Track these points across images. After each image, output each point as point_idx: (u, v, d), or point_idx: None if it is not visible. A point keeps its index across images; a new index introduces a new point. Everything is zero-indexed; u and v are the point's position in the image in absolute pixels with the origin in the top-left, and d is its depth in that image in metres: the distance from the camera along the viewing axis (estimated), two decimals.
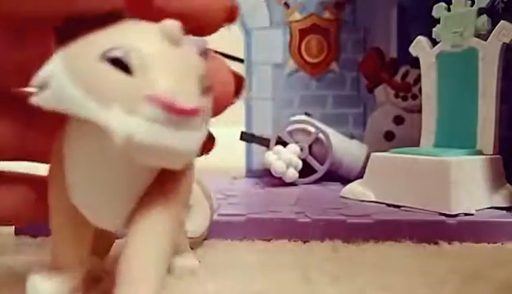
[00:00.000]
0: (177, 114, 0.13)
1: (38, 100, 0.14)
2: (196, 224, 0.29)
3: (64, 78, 0.14)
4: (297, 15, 0.66)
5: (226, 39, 0.75)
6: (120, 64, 0.13)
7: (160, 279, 0.16)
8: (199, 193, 0.29)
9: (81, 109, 0.13)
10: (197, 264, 0.25)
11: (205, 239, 0.31)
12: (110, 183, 0.16)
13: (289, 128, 0.56)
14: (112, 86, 0.13)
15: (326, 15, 0.66)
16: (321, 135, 0.55)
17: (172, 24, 0.14)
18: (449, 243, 0.32)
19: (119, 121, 0.13)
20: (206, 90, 0.15)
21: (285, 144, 0.55)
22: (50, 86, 0.14)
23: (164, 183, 0.17)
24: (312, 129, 0.55)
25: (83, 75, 0.13)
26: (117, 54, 0.13)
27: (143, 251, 0.16)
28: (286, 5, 0.66)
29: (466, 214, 0.35)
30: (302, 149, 0.54)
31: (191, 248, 0.27)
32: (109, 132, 0.13)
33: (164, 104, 0.13)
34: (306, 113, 0.62)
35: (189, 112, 0.13)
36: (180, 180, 0.17)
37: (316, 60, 0.66)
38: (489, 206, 0.37)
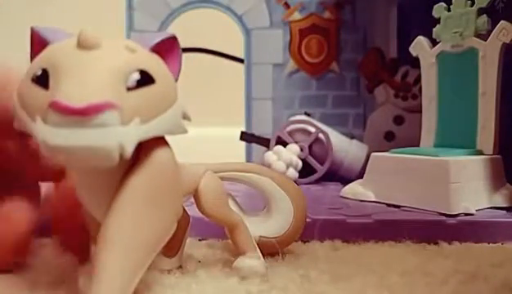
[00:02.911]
0: (70, 115, 0.14)
1: (14, 124, 0.17)
2: (277, 223, 0.27)
3: (17, 104, 0.17)
4: (297, 15, 0.66)
5: (227, 39, 0.75)
6: (41, 82, 0.16)
7: (129, 273, 0.17)
8: (279, 191, 0.28)
9: (26, 125, 0.16)
10: (262, 264, 0.25)
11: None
12: (92, 186, 0.18)
13: (289, 128, 0.56)
14: (34, 101, 0.16)
15: (326, 15, 0.66)
16: (321, 135, 0.55)
17: (85, 32, 0.16)
18: (449, 243, 0.32)
19: (39, 130, 0.15)
20: (140, 84, 0.16)
21: (285, 144, 0.55)
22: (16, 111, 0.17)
23: (126, 180, 0.17)
24: (312, 129, 0.55)
25: (22, 98, 0.16)
26: (37, 73, 0.16)
27: (105, 247, 0.16)
28: (286, 5, 0.66)
29: (466, 214, 0.35)
30: (302, 149, 0.54)
31: (275, 249, 0.27)
32: (38, 141, 0.15)
33: (59, 108, 0.15)
34: (306, 113, 0.62)
35: (81, 111, 0.15)
36: (138, 174, 0.17)
37: (316, 60, 0.66)
38: (489, 206, 0.37)
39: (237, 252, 0.25)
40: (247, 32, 0.66)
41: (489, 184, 0.38)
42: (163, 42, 0.18)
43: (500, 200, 0.38)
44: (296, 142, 0.55)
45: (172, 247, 0.26)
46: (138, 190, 0.17)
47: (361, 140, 0.60)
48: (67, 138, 0.15)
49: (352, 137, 0.60)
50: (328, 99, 0.66)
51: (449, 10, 0.42)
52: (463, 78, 0.41)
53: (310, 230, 0.32)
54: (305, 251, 0.30)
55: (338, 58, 0.66)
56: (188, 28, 0.75)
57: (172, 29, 0.68)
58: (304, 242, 0.32)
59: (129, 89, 0.16)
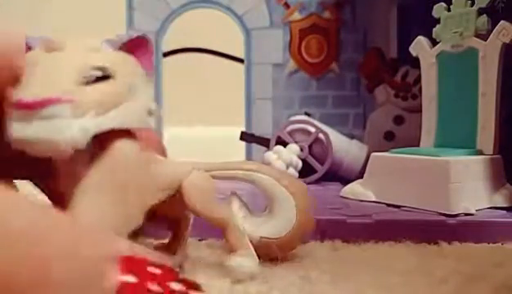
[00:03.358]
0: (22, 109, 0.16)
1: None
2: (278, 224, 0.26)
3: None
4: (297, 15, 0.66)
5: (227, 39, 0.75)
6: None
7: None
8: (281, 191, 0.26)
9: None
10: (252, 263, 0.24)
11: (305, 242, 0.30)
12: (66, 173, 0.20)
13: (289, 128, 0.56)
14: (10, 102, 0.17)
15: (326, 15, 0.66)
16: (321, 135, 0.55)
17: (51, 37, 0.18)
18: (449, 243, 0.32)
19: (10, 125, 0.17)
20: (97, 80, 0.18)
21: (285, 144, 0.55)
22: None
23: (89, 172, 0.18)
24: (312, 129, 0.55)
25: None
26: None
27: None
28: (286, 5, 0.66)
29: (466, 214, 0.35)
30: (302, 149, 0.54)
31: (277, 252, 0.26)
32: None
33: (14, 104, 0.16)
34: (306, 113, 0.62)
35: (28, 105, 0.16)
36: (97, 166, 0.18)
37: (316, 60, 0.66)
38: (489, 206, 0.37)
39: (230, 251, 0.25)
40: (247, 32, 0.66)
41: (489, 184, 0.38)
42: (133, 41, 0.20)
43: (500, 200, 0.38)
44: (296, 142, 0.55)
45: (171, 247, 0.26)
46: (94, 181, 0.18)
47: (361, 140, 0.60)
48: (23, 130, 0.16)
49: (352, 137, 0.60)
50: (328, 99, 0.66)
51: (449, 10, 0.42)
52: (463, 78, 0.41)
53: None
54: (305, 251, 0.30)
55: (338, 58, 0.66)
56: (188, 28, 0.75)
57: (172, 29, 0.68)
58: (304, 242, 0.32)
59: (85, 84, 0.18)
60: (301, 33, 0.66)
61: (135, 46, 0.21)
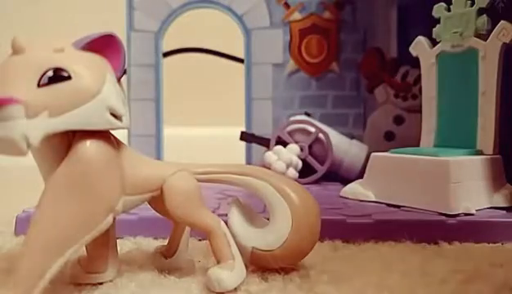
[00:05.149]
0: None
1: None
2: (273, 234, 0.24)
3: None
4: (297, 15, 0.66)
5: (227, 39, 0.75)
6: None
7: (44, 257, 0.18)
8: (277, 198, 0.24)
9: None
10: (232, 277, 0.22)
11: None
12: (41, 170, 0.21)
13: (289, 128, 0.56)
14: None
15: (326, 15, 0.66)
16: (321, 135, 0.55)
17: (15, 39, 0.19)
18: (449, 243, 0.32)
19: None
20: (53, 81, 0.18)
21: (285, 144, 0.55)
22: None
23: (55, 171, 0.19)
24: (312, 129, 0.55)
25: None
26: None
27: (29, 231, 0.19)
28: (286, 5, 0.66)
29: (466, 214, 0.35)
30: (302, 149, 0.54)
31: (270, 264, 0.24)
32: None
33: None
34: (306, 113, 0.62)
35: None
36: (62, 166, 0.19)
37: (316, 60, 0.66)
38: (489, 206, 0.37)
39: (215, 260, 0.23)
40: (247, 32, 0.66)
41: (489, 184, 0.38)
42: (99, 40, 0.20)
43: (500, 200, 0.38)
44: (296, 142, 0.55)
45: (170, 248, 0.26)
46: (58, 182, 0.19)
47: (361, 140, 0.60)
48: None
49: (352, 137, 0.60)
50: (328, 99, 0.66)
51: (449, 10, 0.42)
52: (463, 78, 0.41)
53: None
54: None
55: (338, 58, 0.66)
56: (188, 28, 0.75)
57: (173, 29, 0.68)
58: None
59: (40, 85, 0.18)
60: (301, 33, 0.66)
61: (103, 45, 0.20)
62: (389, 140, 0.60)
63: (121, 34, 0.70)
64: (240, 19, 0.66)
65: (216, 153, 0.67)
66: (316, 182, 0.54)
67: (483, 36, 0.40)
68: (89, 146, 0.19)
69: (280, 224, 0.24)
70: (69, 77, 0.19)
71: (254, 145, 0.62)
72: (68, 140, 0.20)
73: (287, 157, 0.52)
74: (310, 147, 0.55)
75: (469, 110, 0.41)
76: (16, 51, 0.19)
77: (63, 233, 0.18)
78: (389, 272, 0.26)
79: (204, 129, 1.01)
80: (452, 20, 0.42)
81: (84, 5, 0.93)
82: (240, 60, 0.70)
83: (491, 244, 0.32)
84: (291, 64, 0.66)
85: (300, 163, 0.53)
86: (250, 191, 0.25)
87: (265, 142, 0.58)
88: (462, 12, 0.41)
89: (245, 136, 0.60)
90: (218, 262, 0.23)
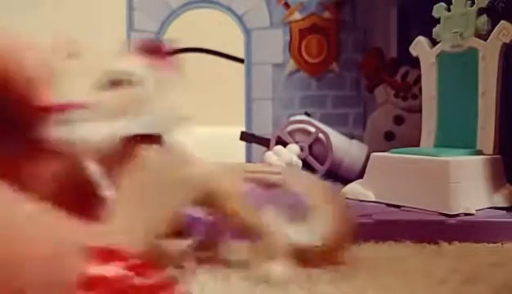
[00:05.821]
0: (51, 112, 0.18)
1: None
2: (314, 231, 0.26)
3: None
4: (297, 15, 0.66)
5: (227, 39, 0.75)
6: None
7: None
8: (319, 198, 0.27)
9: None
10: (285, 271, 0.24)
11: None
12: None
13: (289, 128, 0.56)
14: None
15: (326, 15, 0.66)
16: (321, 135, 0.55)
17: (71, 43, 0.19)
18: (449, 243, 0.32)
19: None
20: (119, 86, 0.19)
21: (285, 144, 0.55)
22: None
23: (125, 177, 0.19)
24: (312, 129, 0.55)
25: None
26: None
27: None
28: (286, 5, 0.66)
29: (466, 214, 0.35)
30: (302, 149, 0.54)
31: (311, 257, 0.26)
32: None
33: (44, 106, 0.18)
34: (306, 113, 0.62)
35: (55, 108, 0.18)
36: (132, 173, 0.19)
37: (316, 60, 0.66)
38: (489, 206, 0.37)
39: (265, 257, 0.25)
40: (247, 32, 0.66)
41: (489, 184, 0.38)
42: (155, 47, 0.21)
43: (500, 200, 0.38)
44: (296, 142, 0.55)
45: (204, 244, 0.27)
46: (130, 188, 0.19)
47: (361, 140, 0.60)
48: (60, 132, 0.18)
49: (352, 137, 0.60)
50: (328, 99, 0.66)
51: (449, 10, 0.42)
52: (463, 78, 0.41)
53: None
54: None
55: (338, 58, 0.66)
56: (188, 28, 0.75)
57: (172, 29, 0.68)
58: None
59: (108, 91, 0.19)
60: (301, 33, 0.66)
61: (157, 52, 0.21)
62: (389, 140, 0.59)
63: (121, 34, 0.70)
64: (240, 19, 0.66)
65: (216, 153, 0.66)
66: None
67: (483, 36, 0.40)
68: (156, 153, 0.20)
69: (321, 224, 0.26)
70: (132, 83, 0.19)
71: (254, 145, 0.62)
72: (129, 143, 0.20)
73: (287, 157, 0.52)
74: (310, 147, 0.55)
75: (469, 110, 0.40)
76: (74, 55, 0.19)
77: (137, 232, 0.19)
78: (389, 272, 0.26)
79: (204, 129, 1.01)
80: (452, 20, 0.42)
81: (84, 5, 0.93)
82: (240, 60, 0.70)
83: (491, 244, 0.32)
84: (291, 64, 0.66)
85: (300, 163, 0.53)
86: (290, 193, 0.27)
87: (265, 142, 0.58)
88: (462, 12, 0.41)
89: (245, 136, 0.60)
90: (271, 259, 0.25)
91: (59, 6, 0.93)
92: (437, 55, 0.43)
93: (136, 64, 0.20)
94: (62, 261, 0.12)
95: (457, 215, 0.34)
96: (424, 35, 0.44)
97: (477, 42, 0.40)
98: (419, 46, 0.44)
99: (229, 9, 0.66)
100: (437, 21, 0.43)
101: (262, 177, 0.27)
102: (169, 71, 0.21)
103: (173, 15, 0.66)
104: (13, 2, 0.93)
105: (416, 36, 0.45)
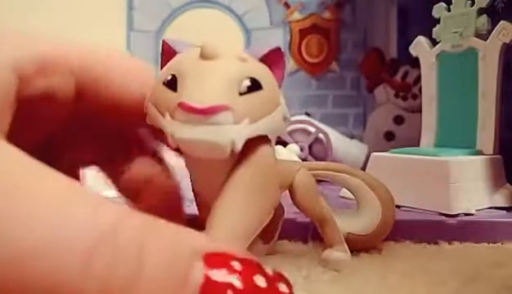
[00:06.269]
0: (194, 114, 0.17)
1: (147, 119, 0.20)
2: (365, 222, 0.29)
3: (149, 102, 0.20)
4: (297, 15, 0.66)
5: (227, 39, 0.75)
6: (171, 85, 0.19)
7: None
8: (368, 192, 0.29)
9: (156, 121, 0.19)
10: (347, 257, 0.26)
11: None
12: (207, 174, 0.21)
13: (289, 128, 0.56)
14: (164, 101, 0.19)
15: (326, 15, 0.66)
16: (321, 135, 0.55)
17: (206, 44, 0.19)
18: (449, 243, 0.32)
19: (168, 124, 0.18)
20: (250, 89, 0.19)
21: (285, 144, 0.55)
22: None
23: (236, 171, 0.20)
24: (312, 129, 0.55)
25: (155, 98, 0.20)
26: (168, 78, 0.19)
27: (215, 226, 0.19)
28: (286, 5, 0.66)
29: (466, 214, 0.35)
30: (302, 149, 0.54)
31: (362, 245, 0.29)
32: (166, 134, 0.18)
33: (185, 107, 0.18)
34: (306, 113, 0.62)
35: (202, 111, 0.17)
36: (246, 167, 0.20)
37: (316, 60, 0.66)
38: (489, 206, 0.37)
39: (325, 245, 0.27)
40: (247, 32, 0.66)
41: (489, 184, 0.38)
42: (270, 53, 0.21)
43: (500, 200, 0.38)
44: (296, 142, 0.55)
45: (269, 233, 0.27)
46: (244, 180, 0.20)
47: (361, 140, 0.60)
48: (190, 132, 0.18)
49: (352, 137, 0.60)
50: (328, 99, 0.66)
51: (449, 10, 0.42)
52: (463, 78, 0.41)
53: (310, 230, 0.32)
54: (305, 251, 0.30)
55: (338, 58, 0.66)
56: (188, 28, 0.75)
57: (172, 29, 0.68)
58: (304, 242, 0.32)
59: (241, 94, 0.19)
60: (301, 33, 0.66)
61: (272, 58, 0.21)
62: (389, 140, 0.60)
63: (121, 34, 0.70)
64: (240, 19, 0.66)
65: None
66: (316, 182, 0.54)
67: (483, 36, 0.40)
68: (266, 149, 0.20)
69: (372, 213, 0.29)
70: (260, 87, 0.19)
71: None
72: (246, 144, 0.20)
73: (287, 157, 0.52)
74: (310, 147, 0.55)
75: (469, 110, 0.41)
76: (210, 57, 0.19)
77: (247, 227, 0.19)
78: (389, 272, 0.26)
79: None
80: (452, 20, 0.42)
81: (84, 5, 0.93)
82: None
83: (491, 244, 0.32)
84: (291, 64, 0.66)
85: None
86: (343, 186, 0.31)
87: None
88: (462, 12, 0.41)
89: None
90: (331, 246, 0.27)
91: (59, 5, 0.93)
92: (438, 55, 0.43)
93: (260, 70, 0.20)
94: (184, 266, 0.12)
95: (457, 215, 0.34)
96: (424, 35, 0.44)
97: (477, 42, 0.40)
98: (419, 46, 0.44)
99: (229, 9, 0.66)
100: (437, 21, 0.43)
101: (324, 175, 0.30)
102: (279, 77, 0.22)
103: (173, 14, 0.66)
104: (13, 2, 0.93)
105: (416, 36, 0.45)
